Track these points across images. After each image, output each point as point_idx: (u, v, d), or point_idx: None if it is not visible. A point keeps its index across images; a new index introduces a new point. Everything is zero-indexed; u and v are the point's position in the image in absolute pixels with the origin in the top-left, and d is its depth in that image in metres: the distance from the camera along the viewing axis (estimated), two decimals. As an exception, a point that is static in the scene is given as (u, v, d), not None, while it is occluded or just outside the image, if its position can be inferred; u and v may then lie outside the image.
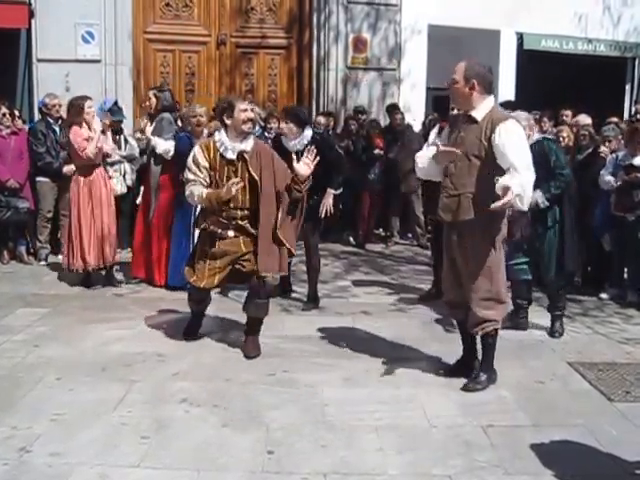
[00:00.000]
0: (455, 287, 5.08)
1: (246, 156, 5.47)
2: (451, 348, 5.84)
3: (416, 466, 3.89)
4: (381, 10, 12.48)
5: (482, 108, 4.81)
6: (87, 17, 11.13)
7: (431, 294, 7.31)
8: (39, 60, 11.08)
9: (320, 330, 6.14)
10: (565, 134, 8.20)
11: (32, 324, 6.22)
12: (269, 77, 12.76)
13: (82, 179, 7.40)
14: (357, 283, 8.10)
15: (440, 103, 12.54)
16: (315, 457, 3.95)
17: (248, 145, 5.49)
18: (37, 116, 9.90)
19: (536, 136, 6.15)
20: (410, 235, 10.91)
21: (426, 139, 8.22)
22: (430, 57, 12.65)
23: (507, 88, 13.04)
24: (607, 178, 7.39)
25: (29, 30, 11.08)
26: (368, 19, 12.45)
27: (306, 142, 6.55)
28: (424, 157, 5.13)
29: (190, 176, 5.50)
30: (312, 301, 7.01)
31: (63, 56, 10.93)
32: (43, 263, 8.54)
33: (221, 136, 5.50)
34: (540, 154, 5.92)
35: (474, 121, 4.80)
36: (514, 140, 4.70)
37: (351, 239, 10.65)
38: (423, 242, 10.29)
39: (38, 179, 8.73)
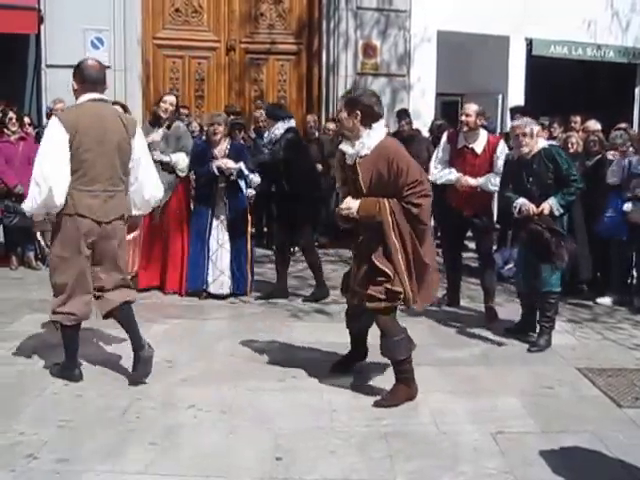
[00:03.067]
0: None
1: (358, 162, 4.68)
2: (460, 354, 5.84)
3: (425, 473, 3.87)
4: (391, 16, 12.49)
5: None
6: (96, 23, 11.20)
7: (445, 299, 7.28)
8: (48, 66, 11.14)
9: (329, 336, 6.11)
10: (574, 140, 8.16)
11: (40, 331, 6.21)
12: (278, 83, 12.79)
13: None
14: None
15: (449, 109, 12.58)
16: (323, 464, 3.93)
17: (363, 148, 4.66)
18: (45, 121, 9.93)
19: (542, 143, 6.08)
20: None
21: (435, 144, 8.25)
22: (440, 63, 12.65)
23: (516, 94, 13.04)
24: (613, 180, 7.42)
25: (38, 35, 11.17)
26: (378, 25, 12.46)
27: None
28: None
29: None
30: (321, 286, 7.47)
31: (72, 62, 10.80)
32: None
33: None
34: (549, 161, 5.89)
35: None
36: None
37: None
38: (432, 248, 10.24)
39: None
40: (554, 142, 7.22)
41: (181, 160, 7.41)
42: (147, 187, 5.10)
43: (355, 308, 4.94)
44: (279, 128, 7.31)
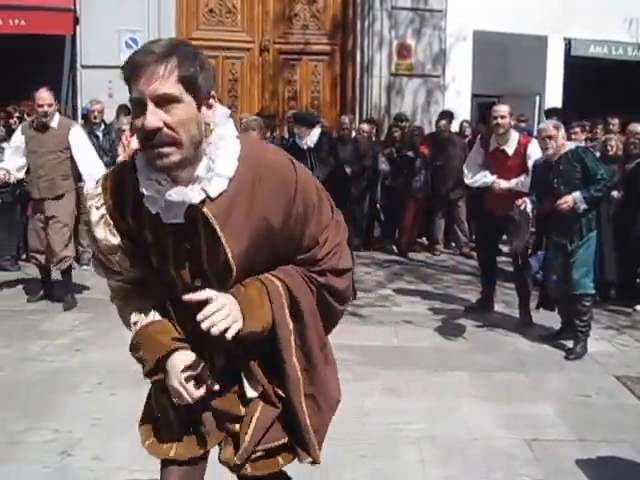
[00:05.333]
0: None
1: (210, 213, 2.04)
2: (494, 359, 5.77)
3: (457, 479, 3.82)
4: (426, 16, 12.40)
5: None
6: (131, 24, 11.30)
7: (478, 305, 7.22)
8: (83, 66, 11.29)
9: (361, 339, 6.08)
10: (613, 143, 8.05)
11: (74, 328, 6.29)
12: (312, 84, 12.76)
13: None
14: (399, 292, 8.03)
15: (486, 111, 12.45)
16: (354, 467, 3.90)
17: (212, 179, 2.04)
18: (80, 121, 10.03)
19: (569, 145, 6.03)
20: (453, 244, 10.78)
21: (470, 146, 8.19)
22: (475, 63, 12.54)
23: (554, 95, 12.88)
24: None
25: (74, 36, 11.34)
26: (412, 25, 12.38)
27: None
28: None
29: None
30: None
31: (107, 62, 11.05)
32: (85, 267, 8.60)
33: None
34: (576, 162, 5.83)
35: None
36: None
37: (394, 247, 10.57)
38: (466, 251, 10.17)
39: (80, 183, 8.79)
40: (581, 144, 7.13)
41: None
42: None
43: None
44: (315, 134, 7.30)
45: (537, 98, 13.08)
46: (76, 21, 11.17)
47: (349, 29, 12.62)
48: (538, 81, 13.07)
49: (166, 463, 2.37)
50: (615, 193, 7.40)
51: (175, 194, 1.97)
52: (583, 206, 5.76)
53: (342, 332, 6.07)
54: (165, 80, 1.87)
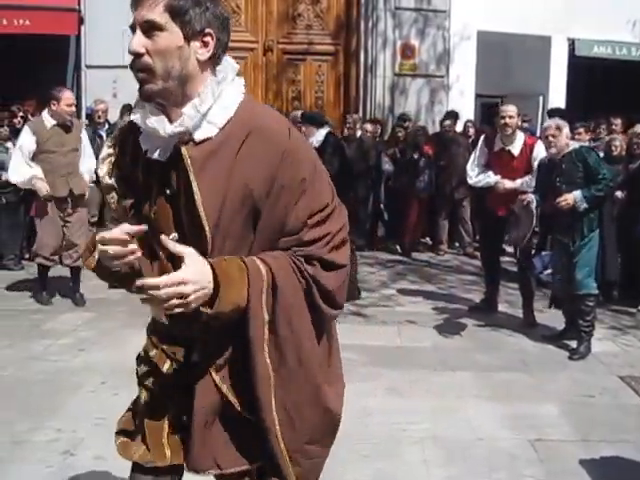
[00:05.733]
0: None
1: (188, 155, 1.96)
2: (497, 359, 5.77)
3: (459, 479, 3.81)
4: (429, 16, 12.39)
5: None
6: (135, 24, 11.31)
7: (481, 305, 7.22)
8: (88, 66, 11.32)
9: (365, 339, 6.08)
10: (617, 143, 8.05)
11: (77, 328, 6.29)
12: (316, 84, 12.76)
13: None
14: (403, 292, 8.03)
15: (489, 111, 12.47)
16: (356, 467, 3.90)
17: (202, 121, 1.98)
18: (85, 121, 10.06)
19: (573, 145, 6.02)
20: (457, 244, 10.77)
21: (474, 146, 8.19)
22: (479, 64, 12.53)
23: (558, 95, 12.85)
24: None
25: (78, 37, 11.36)
26: (416, 25, 12.38)
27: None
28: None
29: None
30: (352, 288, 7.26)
31: (111, 62, 11.09)
32: (89, 267, 8.60)
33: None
34: (579, 161, 5.83)
35: None
36: None
37: (398, 247, 10.56)
38: (470, 251, 10.16)
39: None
40: (586, 143, 7.12)
41: None
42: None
43: None
44: (321, 134, 7.25)
45: (540, 98, 13.05)
46: (81, 21, 11.21)
47: (353, 29, 12.61)
48: (541, 81, 13.04)
49: (134, 468, 2.27)
50: (619, 193, 7.40)
51: (155, 122, 1.95)
52: (584, 205, 5.76)
53: (345, 332, 6.09)
54: (153, 7, 1.89)
